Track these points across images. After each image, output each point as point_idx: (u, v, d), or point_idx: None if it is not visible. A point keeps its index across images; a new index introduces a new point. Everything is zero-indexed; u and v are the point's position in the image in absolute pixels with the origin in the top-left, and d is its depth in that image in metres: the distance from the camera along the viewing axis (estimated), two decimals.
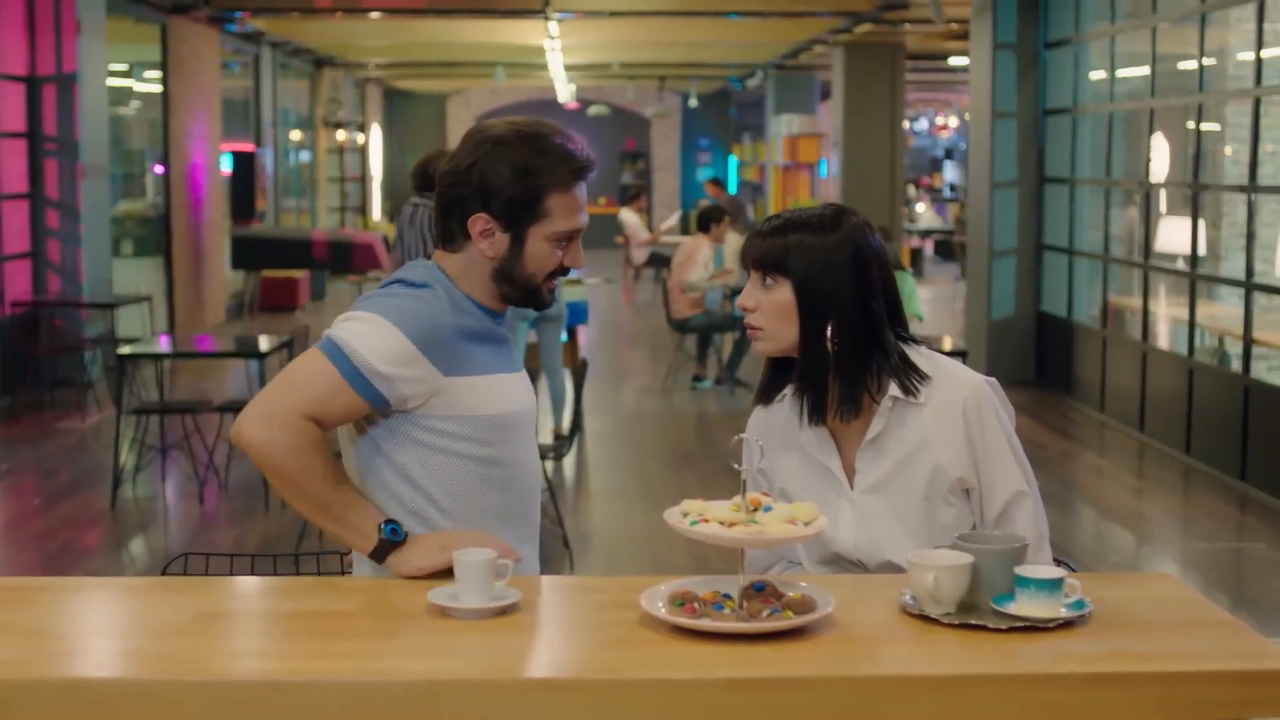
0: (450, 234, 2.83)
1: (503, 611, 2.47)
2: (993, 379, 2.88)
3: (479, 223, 2.79)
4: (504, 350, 2.89)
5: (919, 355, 2.87)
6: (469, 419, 2.79)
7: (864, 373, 2.82)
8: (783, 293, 2.82)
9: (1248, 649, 2.34)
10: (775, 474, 2.95)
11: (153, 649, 2.35)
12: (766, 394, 2.97)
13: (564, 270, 2.87)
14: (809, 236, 2.81)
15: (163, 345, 9.38)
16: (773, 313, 2.84)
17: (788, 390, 2.92)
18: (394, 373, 2.69)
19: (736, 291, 13.69)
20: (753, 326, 2.86)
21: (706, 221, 12.94)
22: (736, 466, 2.54)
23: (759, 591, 2.44)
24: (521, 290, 2.85)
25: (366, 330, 2.70)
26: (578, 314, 11.03)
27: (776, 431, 2.94)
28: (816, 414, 2.85)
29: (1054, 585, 2.43)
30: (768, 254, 2.83)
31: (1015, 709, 2.22)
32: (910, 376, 2.83)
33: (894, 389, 2.82)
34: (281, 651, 2.36)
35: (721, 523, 2.45)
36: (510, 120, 2.85)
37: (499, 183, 2.76)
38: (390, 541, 2.68)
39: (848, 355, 2.81)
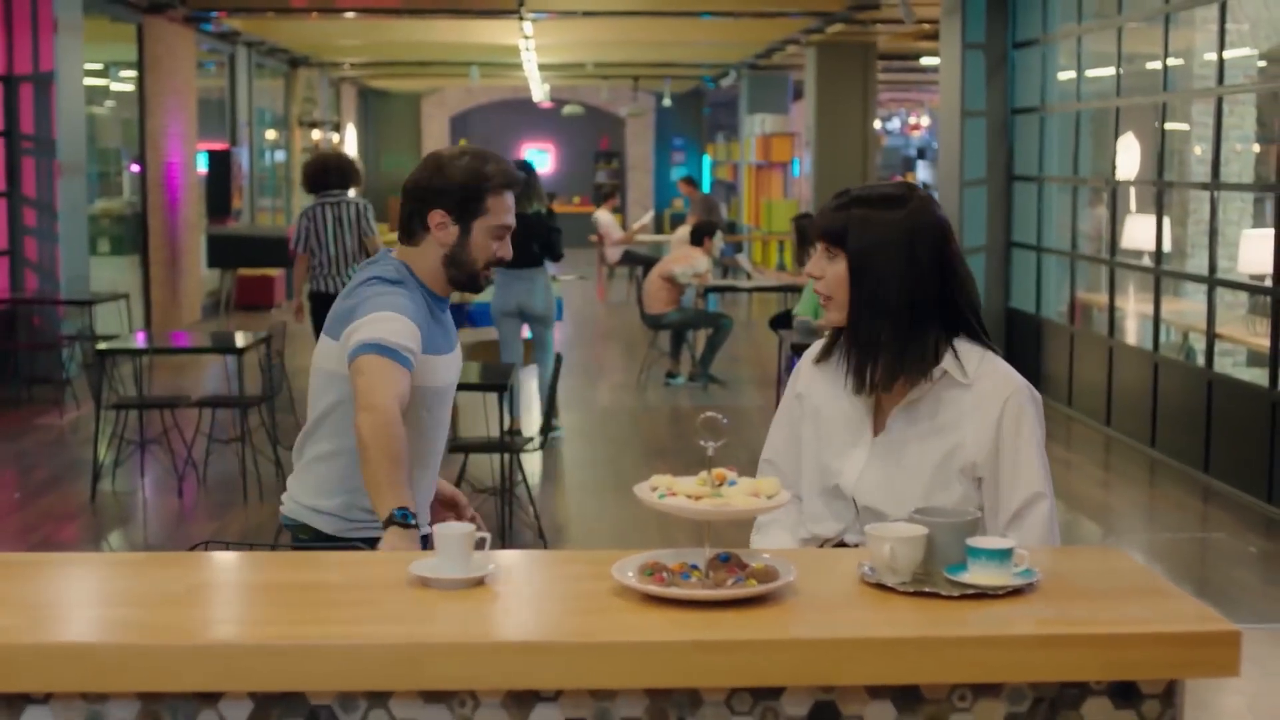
0: (412, 230, 3.59)
1: (480, 581, 2.60)
2: (1037, 393, 3.04)
3: (437, 216, 3.55)
4: (446, 332, 3.68)
5: (972, 349, 3.01)
6: (420, 388, 3.49)
7: (907, 351, 2.97)
8: (842, 265, 3.00)
9: (1187, 613, 2.47)
10: (811, 398, 3.14)
11: (148, 617, 2.46)
12: (825, 353, 3.14)
13: (499, 260, 3.61)
14: (869, 213, 2.98)
15: (140, 342, 9.46)
16: (835, 283, 3.01)
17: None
18: (415, 349, 3.44)
19: (710, 290, 13.85)
20: (823, 295, 3.04)
21: (700, 235, 13.11)
22: (703, 443, 2.66)
23: (725, 562, 2.57)
24: (466, 274, 3.61)
25: (396, 327, 3.42)
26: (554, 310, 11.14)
27: (828, 368, 3.12)
28: (860, 382, 3.02)
29: (1004, 555, 2.56)
30: (831, 227, 3.02)
31: (965, 668, 2.35)
32: (953, 362, 2.98)
33: (945, 363, 2.98)
34: (271, 619, 2.47)
35: (689, 496, 2.58)
36: (457, 147, 3.68)
37: (453, 185, 3.54)
38: (396, 520, 3.17)
39: (894, 332, 2.97)
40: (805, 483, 3.14)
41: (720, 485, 2.60)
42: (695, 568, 2.57)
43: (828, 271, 3.02)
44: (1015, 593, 2.53)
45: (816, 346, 3.18)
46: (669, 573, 2.54)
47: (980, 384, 2.98)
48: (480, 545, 2.65)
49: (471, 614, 2.49)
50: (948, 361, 2.98)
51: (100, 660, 2.31)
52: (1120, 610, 2.48)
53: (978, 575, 2.55)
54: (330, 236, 9.83)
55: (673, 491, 2.60)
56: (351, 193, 9.98)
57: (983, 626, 2.41)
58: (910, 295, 2.95)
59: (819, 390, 3.13)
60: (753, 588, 2.49)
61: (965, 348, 3.00)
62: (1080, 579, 2.65)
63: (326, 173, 10.09)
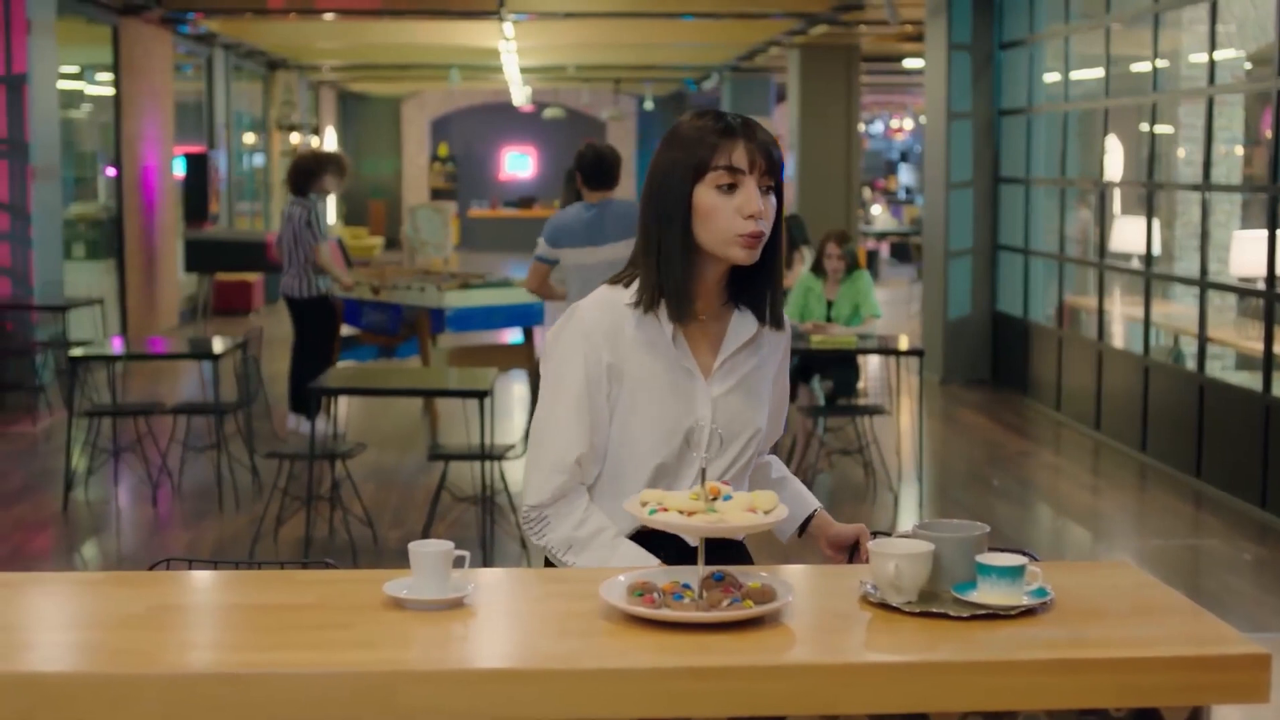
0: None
1: (459, 602, 2.44)
2: None
3: None
4: None
5: None
6: None
7: None
8: (773, 200, 2.79)
9: (1206, 634, 2.33)
10: (626, 363, 2.77)
11: (107, 642, 2.31)
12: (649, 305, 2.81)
13: None
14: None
15: (115, 347, 9.29)
16: (769, 221, 2.78)
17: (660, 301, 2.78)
18: None
19: None
20: (760, 235, 2.75)
21: None
22: (695, 454, 2.51)
23: (719, 581, 2.42)
24: None
25: None
26: (533, 314, 11.00)
27: (631, 328, 2.78)
28: (763, 319, 2.86)
29: (1015, 573, 2.41)
30: (777, 163, 2.80)
31: (976, 695, 2.21)
32: None
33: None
34: (237, 644, 2.33)
35: (681, 511, 2.43)
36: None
37: None
38: None
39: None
40: (630, 465, 2.78)
41: (714, 500, 2.45)
42: (688, 587, 2.42)
43: (768, 209, 2.76)
44: (1028, 613, 2.39)
45: (620, 304, 2.79)
46: (660, 593, 2.39)
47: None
48: (459, 563, 2.49)
49: (449, 638, 2.34)
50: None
51: (48, 691, 2.15)
52: (1139, 631, 2.34)
53: (988, 594, 2.40)
54: (285, 239, 10.17)
55: (664, 507, 2.45)
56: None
57: (995, 650, 2.26)
58: None
59: (638, 354, 2.77)
60: (749, 609, 2.34)
61: None
62: (1093, 596, 2.51)
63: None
